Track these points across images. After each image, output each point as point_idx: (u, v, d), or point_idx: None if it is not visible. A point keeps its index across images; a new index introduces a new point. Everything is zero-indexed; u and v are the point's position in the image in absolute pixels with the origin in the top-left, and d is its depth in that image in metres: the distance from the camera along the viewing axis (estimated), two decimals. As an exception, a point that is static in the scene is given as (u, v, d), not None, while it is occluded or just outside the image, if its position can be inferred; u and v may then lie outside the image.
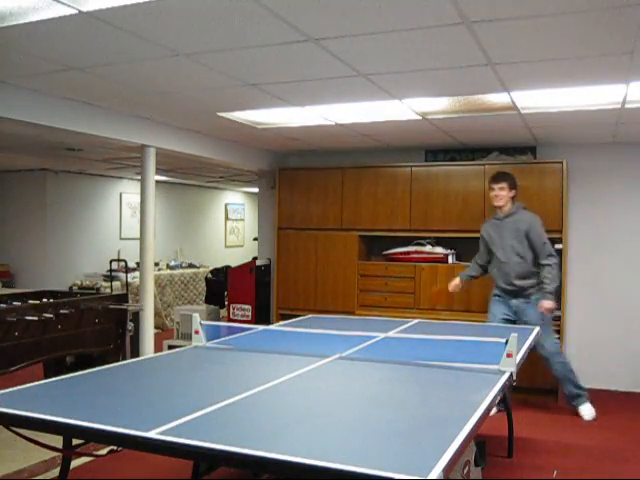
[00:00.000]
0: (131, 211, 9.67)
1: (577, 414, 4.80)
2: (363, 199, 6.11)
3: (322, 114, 4.66)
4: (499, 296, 4.90)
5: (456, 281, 5.07)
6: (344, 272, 6.15)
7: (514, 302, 4.81)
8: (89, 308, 4.40)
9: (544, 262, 4.70)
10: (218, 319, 6.84)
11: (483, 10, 2.49)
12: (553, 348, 4.75)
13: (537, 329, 4.03)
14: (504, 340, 2.77)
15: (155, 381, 2.69)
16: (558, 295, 5.44)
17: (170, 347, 5.93)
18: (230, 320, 6.60)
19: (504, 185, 4.77)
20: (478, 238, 5.12)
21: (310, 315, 4.98)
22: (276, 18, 2.60)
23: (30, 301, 4.41)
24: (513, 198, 4.84)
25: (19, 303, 4.31)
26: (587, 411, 4.78)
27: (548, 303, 4.61)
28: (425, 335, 3.59)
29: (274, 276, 6.67)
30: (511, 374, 2.69)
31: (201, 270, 10.12)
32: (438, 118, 4.72)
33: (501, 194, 4.78)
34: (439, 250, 5.91)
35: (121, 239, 9.55)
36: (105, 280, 8.40)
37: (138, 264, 5.42)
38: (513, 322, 4.77)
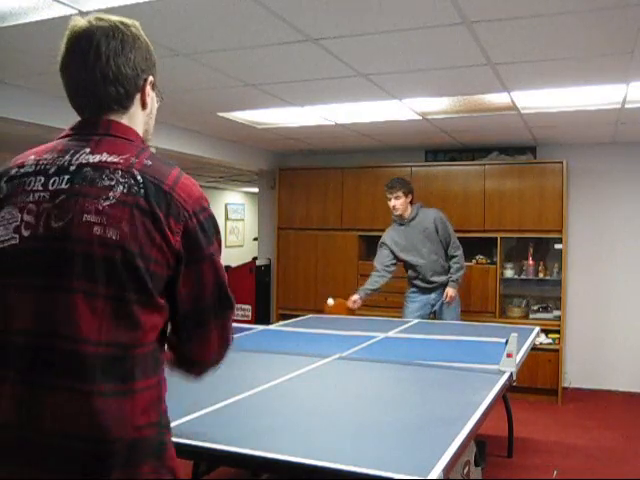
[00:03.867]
0: (131, 211, 9.66)
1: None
2: (363, 199, 6.11)
3: (322, 114, 4.66)
4: (415, 293, 4.86)
5: (355, 297, 4.80)
6: (344, 272, 6.15)
7: (433, 296, 4.82)
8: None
9: (454, 253, 4.79)
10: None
11: (483, 10, 2.49)
12: None
13: (537, 329, 4.04)
14: (504, 340, 2.77)
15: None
16: (557, 295, 5.46)
17: (170, 347, 5.91)
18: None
19: (399, 193, 4.70)
20: (478, 238, 5.13)
21: (310, 315, 4.98)
22: (276, 18, 2.60)
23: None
24: (412, 202, 4.81)
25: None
26: None
27: (453, 291, 4.73)
28: (425, 335, 3.59)
29: (274, 276, 6.67)
30: (511, 374, 2.69)
31: (201, 270, 10.10)
32: (438, 118, 4.72)
33: (397, 203, 4.72)
34: (439, 250, 5.90)
35: (121, 239, 9.54)
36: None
37: (138, 264, 5.42)
38: (431, 317, 4.85)
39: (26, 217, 1.14)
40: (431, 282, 4.80)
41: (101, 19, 1.27)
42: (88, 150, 1.19)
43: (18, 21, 2.65)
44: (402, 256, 4.84)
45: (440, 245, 4.78)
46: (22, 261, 1.13)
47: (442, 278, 4.79)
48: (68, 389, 1.08)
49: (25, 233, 1.13)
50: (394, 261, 4.87)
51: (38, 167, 1.20)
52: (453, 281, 4.75)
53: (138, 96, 1.32)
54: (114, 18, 1.30)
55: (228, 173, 8.84)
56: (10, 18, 2.62)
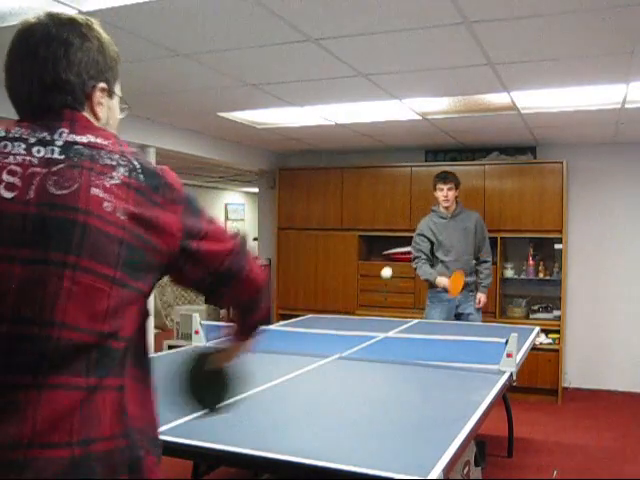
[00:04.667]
0: (131, 211, 9.66)
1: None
2: (363, 199, 6.11)
3: (322, 114, 4.66)
4: (440, 292, 4.71)
5: (444, 281, 4.66)
6: (344, 272, 6.15)
7: (457, 296, 4.75)
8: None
9: (486, 258, 4.84)
10: (218, 319, 6.84)
11: (483, 10, 2.49)
12: None
13: (537, 329, 4.04)
14: (504, 340, 2.77)
15: (155, 381, 2.68)
16: (557, 295, 5.46)
17: (170, 347, 5.92)
18: (230, 320, 6.58)
19: (452, 185, 4.77)
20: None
21: (310, 315, 4.98)
22: (276, 18, 2.60)
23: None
24: (457, 197, 4.87)
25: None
26: None
27: (485, 297, 4.80)
28: (425, 335, 3.59)
29: (274, 276, 6.67)
30: (511, 374, 2.69)
31: (201, 270, 10.10)
32: (438, 118, 4.72)
33: (450, 194, 4.77)
34: (439, 250, 5.90)
35: (121, 239, 9.54)
36: (105, 280, 8.39)
37: (138, 264, 5.42)
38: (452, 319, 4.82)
39: (6, 177, 1.02)
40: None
41: (51, 16, 1.16)
42: (67, 131, 1.08)
43: (18, 21, 2.65)
44: (436, 250, 4.84)
45: (474, 247, 4.81)
46: None
47: (469, 279, 4.78)
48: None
49: (6, 194, 1.01)
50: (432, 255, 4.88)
51: (12, 135, 1.07)
52: (484, 287, 4.80)
53: (88, 105, 1.17)
54: (66, 15, 1.19)
55: (228, 173, 8.83)
56: (10, 18, 2.62)
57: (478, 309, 4.83)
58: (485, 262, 4.85)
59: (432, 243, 4.83)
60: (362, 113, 4.60)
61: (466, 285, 4.77)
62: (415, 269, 4.90)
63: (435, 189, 4.84)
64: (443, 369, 2.81)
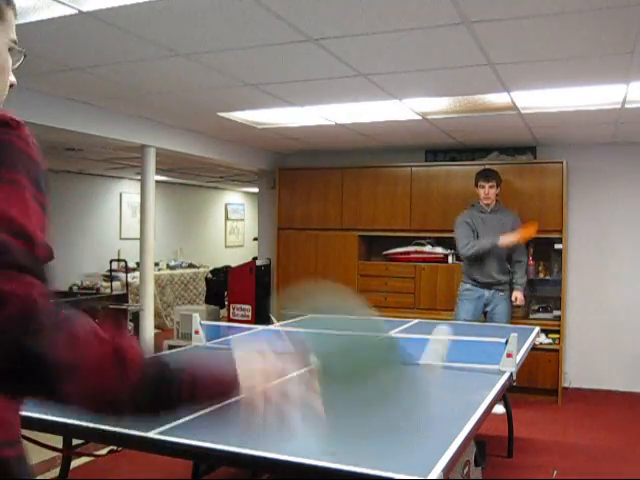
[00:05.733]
0: (131, 211, 9.67)
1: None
2: (363, 199, 6.11)
3: (322, 114, 4.66)
4: (470, 290, 4.89)
5: (510, 238, 4.71)
6: (344, 272, 6.14)
7: (487, 294, 4.85)
8: (89, 308, 4.40)
9: (518, 258, 4.89)
10: (218, 319, 6.84)
11: (483, 10, 2.49)
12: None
13: (537, 329, 4.04)
14: (504, 340, 2.77)
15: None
16: (557, 295, 5.46)
17: (170, 347, 5.92)
18: (230, 320, 6.60)
19: (494, 183, 4.86)
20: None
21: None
22: (276, 18, 2.60)
23: (30, 301, 4.40)
24: (497, 195, 4.95)
25: (19, 303, 4.30)
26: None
27: (522, 294, 4.87)
28: (425, 335, 3.59)
29: (274, 276, 6.67)
30: (511, 374, 2.69)
31: (201, 270, 10.11)
32: (438, 118, 4.71)
33: (491, 192, 4.86)
34: (439, 250, 5.91)
35: (121, 239, 9.54)
36: (105, 280, 8.40)
37: (138, 264, 5.42)
38: (480, 318, 4.86)
39: None
40: (493, 278, 4.84)
41: None
42: None
43: (18, 21, 2.64)
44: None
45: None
46: None
47: (502, 277, 4.85)
48: None
49: None
50: None
51: None
52: (520, 285, 4.86)
53: None
54: None
55: (228, 173, 8.83)
56: (10, 18, 2.62)
57: (514, 306, 4.91)
58: (519, 262, 4.91)
59: (474, 232, 4.91)
60: (362, 113, 4.60)
61: (496, 284, 4.84)
62: (471, 253, 4.80)
63: (477, 186, 4.92)
64: (443, 369, 2.81)
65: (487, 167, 5.11)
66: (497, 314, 4.83)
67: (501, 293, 4.88)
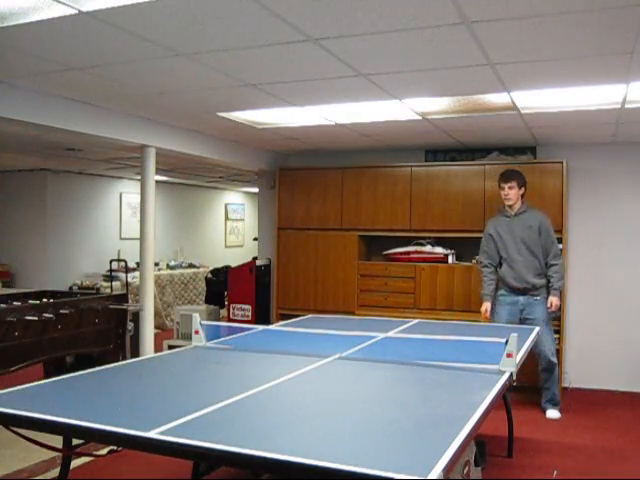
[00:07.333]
0: (131, 211, 9.67)
1: (544, 412, 4.88)
2: (363, 199, 6.11)
3: (322, 114, 4.66)
4: (505, 296, 4.86)
5: (486, 307, 4.90)
6: (344, 272, 6.15)
7: (522, 299, 4.79)
8: (89, 308, 4.40)
9: (553, 261, 4.76)
10: (218, 319, 6.84)
11: (483, 10, 2.49)
12: (554, 348, 4.79)
13: (537, 329, 4.04)
14: (504, 340, 2.77)
15: (155, 381, 2.69)
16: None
17: (170, 347, 5.92)
18: (230, 320, 6.60)
19: (513, 184, 4.79)
20: (478, 238, 5.11)
21: (310, 315, 4.98)
22: (276, 18, 2.60)
23: (30, 301, 4.41)
24: (522, 196, 4.87)
25: (19, 303, 4.31)
26: (555, 414, 4.85)
27: (558, 300, 4.73)
28: (425, 335, 3.59)
29: (274, 276, 6.67)
30: (511, 374, 2.69)
31: (201, 270, 10.12)
32: (438, 118, 4.72)
33: (511, 193, 4.79)
34: (439, 250, 5.91)
35: (121, 239, 9.55)
36: (105, 280, 8.40)
37: (138, 264, 5.42)
38: (517, 322, 4.78)
39: None
40: (527, 282, 4.76)
41: None
42: None
43: (18, 21, 2.65)
44: (500, 249, 4.87)
45: (539, 248, 4.76)
46: None
47: (537, 281, 4.76)
48: None
49: None
50: (499, 256, 4.90)
51: None
52: (556, 289, 4.73)
53: None
54: None
55: (228, 173, 8.84)
56: (10, 18, 2.62)
57: (551, 314, 4.79)
58: (554, 265, 4.75)
59: (496, 242, 4.88)
60: (362, 113, 4.60)
61: (531, 289, 4.77)
62: (480, 269, 5.06)
63: (499, 188, 4.88)
64: (443, 369, 2.81)
65: (509, 168, 5.03)
66: (532, 320, 4.67)
67: (537, 298, 4.76)
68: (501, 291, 4.91)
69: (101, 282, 8.47)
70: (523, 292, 4.80)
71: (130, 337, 4.70)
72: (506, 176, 4.84)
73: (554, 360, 4.75)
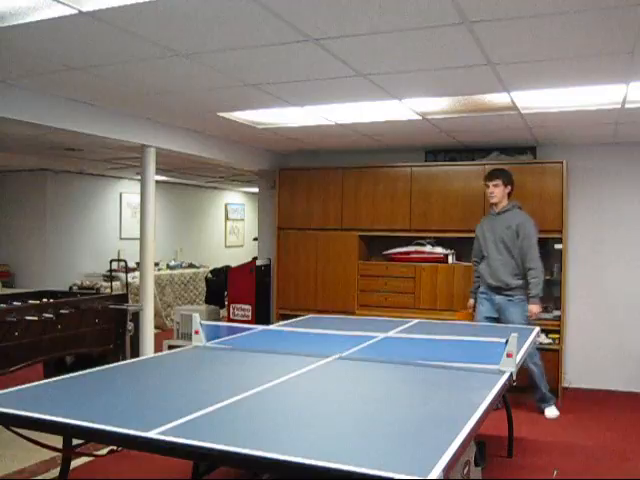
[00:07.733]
0: (131, 211, 9.67)
1: (543, 413, 4.88)
2: (363, 199, 6.11)
3: (322, 114, 4.66)
4: (484, 293, 4.91)
5: (470, 303, 5.07)
6: (344, 272, 6.15)
7: (498, 298, 4.81)
8: (89, 308, 4.40)
9: (529, 265, 4.69)
10: (218, 319, 6.84)
11: (483, 10, 2.49)
12: (533, 349, 4.76)
13: (537, 329, 4.04)
14: (504, 340, 2.77)
15: (155, 381, 2.69)
16: (557, 295, 5.46)
17: (170, 347, 5.92)
18: (230, 320, 6.60)
19: (498, 182, 4.82)
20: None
21: (310, 315, 4.98)
22: (276, 18, 2.60)
23: (30, 301, 4.42)
24: (509, 194, 4.88)
25: (19, 303, 4.31)
26: (553, 412, 4.85)
27: (535, 307, 4.68)
28: (425, 335, 3.59)
29: (274, 276, 6.67)
30: (511, 374, 2.69)
31: (201, 270, 10.12)
32: (438, 118, 4.72)
33: (495, 191, 4.82)
34: (439, 250, 5.91)
35: (121, 239, 9.55)
36: (105, 280, 8.40)
37: (138, 264, 5.42)
38: (496, 320, 4.81)
39: None
40: (501, 280, 4.76)
41: None
42: None
43: (18, 21, 2.65)
44: (483, 247, 4.91)
45: (516, 250, 4.73)
46: None
47: (512, 281, 4.73)
48: None
49: None
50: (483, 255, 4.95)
51: None
52: (533, 296, 4.65)
53: None
54: None
55: (228, 173, 8.84)
56: (10, 18, 2.62)
57: (524, 313, 4.68)
58: (531, 270, 4.66)
59: (479, 240, 4.95)
60: (362, 113, 4.60)
61: (506, 288, 4.75)
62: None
63: (485, 186, 4.94)
64: (443, 369, 2.81)
65: (496, 167, 5.07)
66: (509, 322, 4.64)
67: (511, 299, 4.73)
68: (481, 288, 4.96)
69: (101, 282, 8.47)
70: (498, 291, 4.81)
71: (130, 337, 4.70)
72: (491, 174, 4.88)
73: (534, 360, 4.73)
